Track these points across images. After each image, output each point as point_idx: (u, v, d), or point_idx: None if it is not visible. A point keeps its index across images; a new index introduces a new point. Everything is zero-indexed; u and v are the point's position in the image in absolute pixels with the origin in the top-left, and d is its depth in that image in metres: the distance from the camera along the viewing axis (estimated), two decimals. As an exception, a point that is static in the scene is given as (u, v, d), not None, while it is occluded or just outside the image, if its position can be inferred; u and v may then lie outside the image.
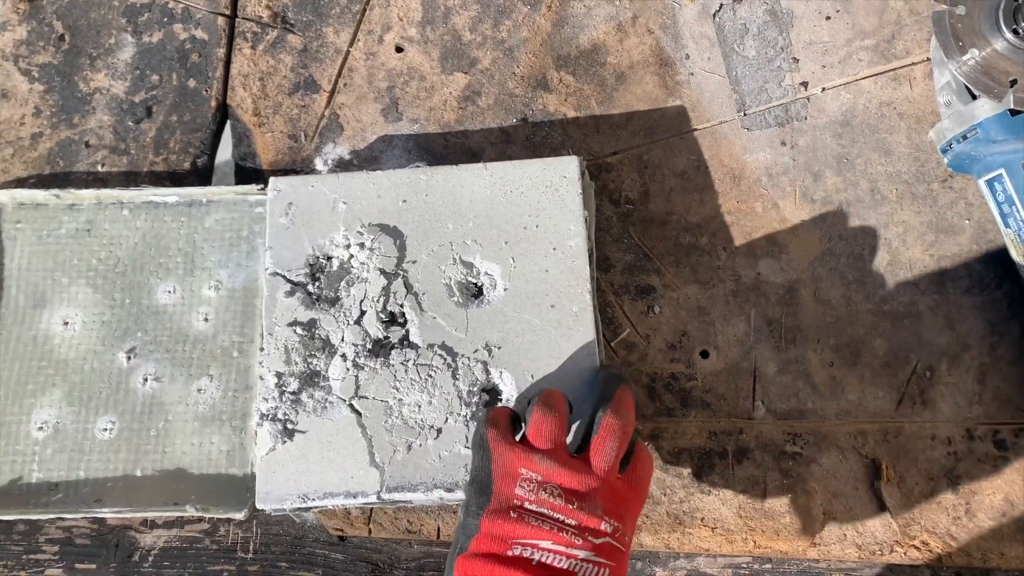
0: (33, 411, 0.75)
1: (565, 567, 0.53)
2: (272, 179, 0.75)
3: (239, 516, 0.71)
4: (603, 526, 0.55)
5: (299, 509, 0.68)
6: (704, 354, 0.75)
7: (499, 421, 0.59)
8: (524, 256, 0.70)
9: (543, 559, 0.53)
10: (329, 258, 0.72)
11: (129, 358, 0.76)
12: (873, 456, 0.72)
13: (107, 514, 0.72)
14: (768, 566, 0.73)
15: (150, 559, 0.78)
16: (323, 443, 0.67)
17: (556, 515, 0.55)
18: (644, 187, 0.79)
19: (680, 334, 0.76)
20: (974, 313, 0.74)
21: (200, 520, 0.78)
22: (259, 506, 0.67)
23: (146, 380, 0.75)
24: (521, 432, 0.61)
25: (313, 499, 0.66)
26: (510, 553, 0.53)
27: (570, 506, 0.55)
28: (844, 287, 0.76)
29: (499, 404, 0.66)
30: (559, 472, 0.56)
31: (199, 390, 0.75)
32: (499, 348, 0.68)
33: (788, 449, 0.73)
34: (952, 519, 0.71)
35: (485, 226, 0.71)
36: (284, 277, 0.72)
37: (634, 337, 0.76)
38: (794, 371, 0.74)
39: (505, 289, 0.70)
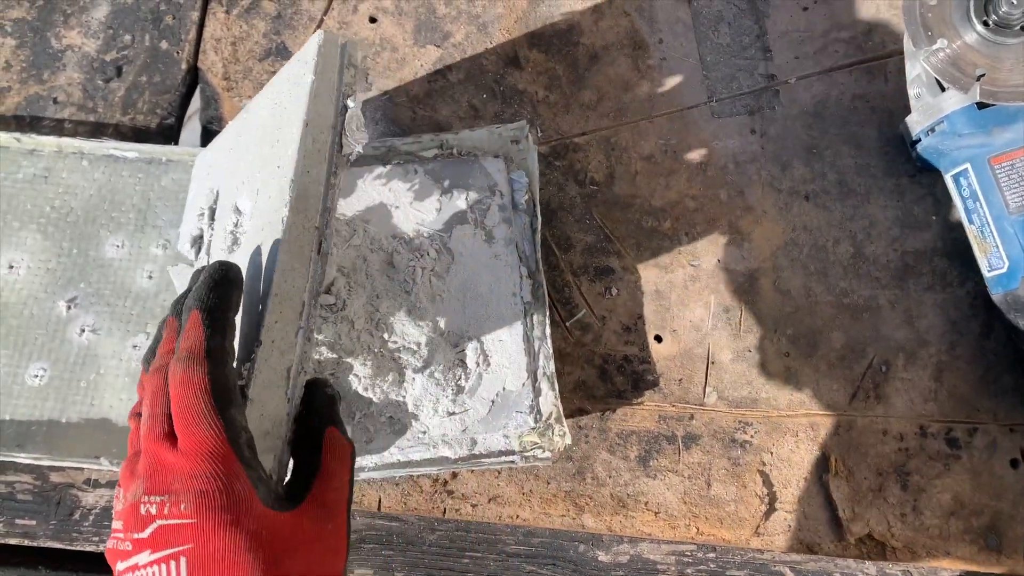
0: (-33, 352, 0.74)
1: None
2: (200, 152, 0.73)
3: None
4: (143, 510, 0.43)
5: None
6: (659, 338, 0.74)
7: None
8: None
9: None
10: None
11: (69, 308, 0.74)
12: (823, 448, 0.70)
13: (25, 459, 0.70)
14: (712, 555, 0.71)
15: (91, 518, 0.76)
16: None
17: (115, 526, 0.45)
18: (610, 169, 0.78)
19: (636, 317, 0.74)
20: (935, 310, 0.73)
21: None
22: None
23: (83, 331, 0.74)
24: None
25: None
26: None
27: (118, 507, 0.45)
28: (805, 278, 0.74)
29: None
30: (121, 476, 0.48)
31: (134, 346, 0.73)
32: None
33: (738, 437, 0.71)
34: (899, 516, 0.69)
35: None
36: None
37: (589, 318, 0.74)
38: (749, 359, 0.73)
39: None
